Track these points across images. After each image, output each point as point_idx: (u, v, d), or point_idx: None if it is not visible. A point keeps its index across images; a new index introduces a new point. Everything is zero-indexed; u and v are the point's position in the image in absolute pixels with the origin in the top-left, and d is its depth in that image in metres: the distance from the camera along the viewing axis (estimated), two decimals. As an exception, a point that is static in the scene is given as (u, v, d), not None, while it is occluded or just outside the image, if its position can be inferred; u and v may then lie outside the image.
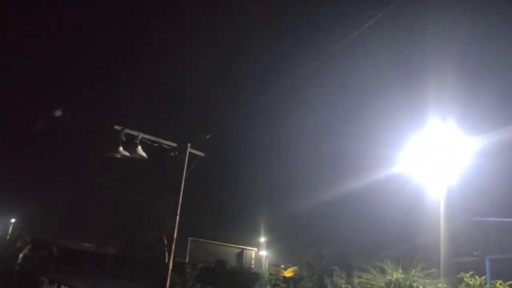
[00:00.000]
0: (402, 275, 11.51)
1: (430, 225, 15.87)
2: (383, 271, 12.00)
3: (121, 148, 14.72)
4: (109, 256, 24.63)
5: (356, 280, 16.45)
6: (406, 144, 14.13)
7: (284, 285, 23.55)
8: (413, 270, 11.71)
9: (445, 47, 13.45)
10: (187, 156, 15.55)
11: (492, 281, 10.12)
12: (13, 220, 30.22)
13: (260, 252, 39.36)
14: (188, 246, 31.94)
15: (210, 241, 34.04)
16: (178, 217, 15.52)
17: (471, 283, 10.13)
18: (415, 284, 11.24)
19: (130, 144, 15.01)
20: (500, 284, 9.90)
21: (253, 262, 35.68)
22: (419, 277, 11.54)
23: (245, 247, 36.53)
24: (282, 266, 34.90)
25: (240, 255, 36.06)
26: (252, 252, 36.98)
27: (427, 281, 11.49)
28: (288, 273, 30.75)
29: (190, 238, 31.90)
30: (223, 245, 35.02)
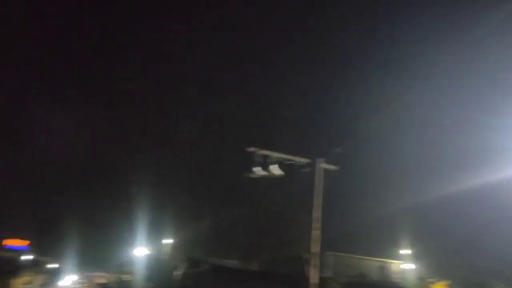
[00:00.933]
0: None
1: None
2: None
3: (257, 168, 15.48)
4: (252, 272, 25.65)
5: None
6: None
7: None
8: None
9: None
10: (316, 171, 15.74)
11: None
12: (168, 241, 33.05)
13: (404, 265, 37.46)
14: (327, 260, 31.76)
15: (350, 255, 33.39)
16: (318, 231, 15.68)
17: None
18: None
19: (265, 164, 15.69)
20: None
21: (396, 275, 34.10)
22: None
23: (387, 260, 35.12)
24: (432, 280, 32.71)
25: (382, 268, 34.73)
26: (394, 265, 35.38)
27: None
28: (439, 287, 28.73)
29: (328, 252, 31.70)
30: (364, 258, 34.11)
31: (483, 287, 22.60)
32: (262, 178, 15.84)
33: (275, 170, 15.22)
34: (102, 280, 34.54)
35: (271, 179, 15.85)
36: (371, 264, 34.75)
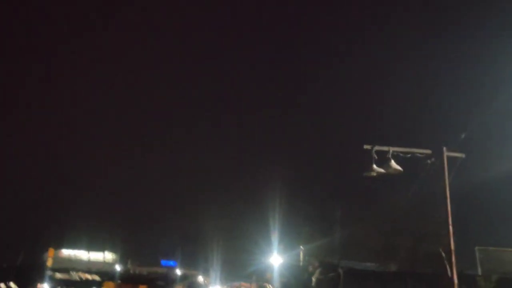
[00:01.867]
0: None
1: None
2: None
3: (375, 166, 14.86)
4: (391, 274, 24.58)
5: None
6: None
7: None
8: None
9: None
10: (445, 161, 14.57)
11: None
12: (302, 248, 33.38)
13: None
14: (478, 256, 29.07)
15: (504, 249, 30.14)
16: (451, 226, 14.54)
17: None
18: None
19: (383, 160, 15.02)
20: None
21: None
22: None
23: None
24: None
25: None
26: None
27: None
28: None
29: (477, 248, 29.02)
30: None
31: None
32: (383, 175, 15.15)
33: (394, 166, 14.46)
34: (244, 289, 36.11)
35: (392, 175, 15.08)
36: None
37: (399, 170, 14.53)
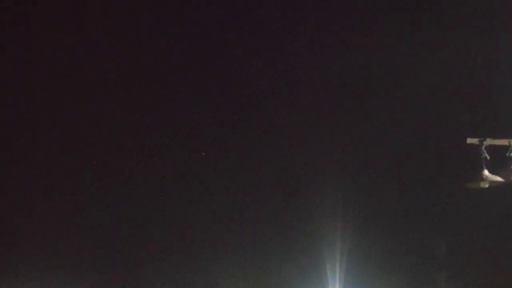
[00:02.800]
0: None
1: None
2: None
3: (486, 172, 9.01)
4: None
5: None
6: None
7: None
8: None
9: None
10: None
11: None
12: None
13: None
14: None
15: None
16: None
17: None
18: None
19: (500, 162, 9.18)
20: None
21: None
22: None
23: None
24: None
25: None
26: None
27: None
28: None
29: None
30: None
31: None
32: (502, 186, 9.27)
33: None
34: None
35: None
36: None
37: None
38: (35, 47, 13.74)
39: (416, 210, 13.24)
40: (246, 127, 14.19)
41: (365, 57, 13.71)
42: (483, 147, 9.29)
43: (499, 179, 9.01)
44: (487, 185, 9.08)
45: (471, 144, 9.54)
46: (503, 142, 9.21)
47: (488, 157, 9.12)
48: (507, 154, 9.19)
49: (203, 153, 14.02)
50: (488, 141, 9.36)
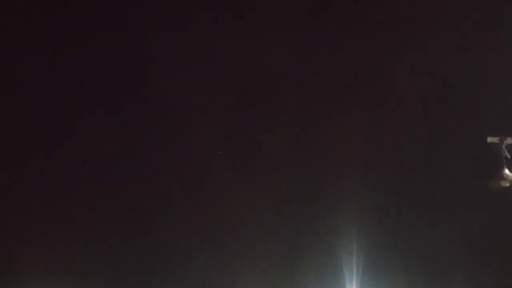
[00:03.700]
0: None
1: None
2: None
3: (506, 171, 8.81)
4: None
5: None
6: None
7: None
8: None
9: None
10: None
11: None
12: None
13: None
14: None
15: None
16: None
17: None
18: None
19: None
20: None
21: None
22: None
23: None
24: None
25: None
26: None
27: None
28: None
29: None
30: None
31: None
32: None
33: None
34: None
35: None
36: None
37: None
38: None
39: (436, 209, 13.00)
40: (259, 127, 14.13)
41: (385, 53, 13.53)
42: (503, 146, 9.10)
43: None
44: (507, 184, 8.88)
45: (492, 143, 9.35)
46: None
47: (509, 156, 8.92)
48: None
49: (220, 152, 13.97)
50: (509, 140, 9.17)
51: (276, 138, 13.78)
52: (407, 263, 12.54)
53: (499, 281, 12.04)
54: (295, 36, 13.82)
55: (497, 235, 12.19)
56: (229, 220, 13.40)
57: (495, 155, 9.13)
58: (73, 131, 13.80)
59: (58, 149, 13.65)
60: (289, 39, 13.86)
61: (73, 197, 13.56)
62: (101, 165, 13.63)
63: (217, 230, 13.45)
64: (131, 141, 13.92)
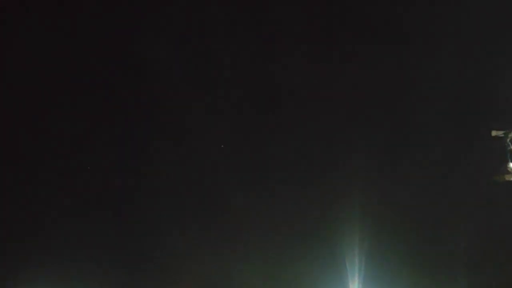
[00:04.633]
0: None
1: None
2: None
3: (511, 165, 8.70)
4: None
5: None
6: None
7: None
8: None
9: None
10: None
11: None
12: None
13: None
14: None
15: None
16: None
17: None
18: None
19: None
20: None
21: None
22: None
23: None
24: None
25: None
26: None
27: None
28: None
29: None
30: None
31: None
32: None
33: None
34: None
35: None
36: None
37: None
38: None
39: (441, 204, 12.89)
40: (259, 127, 14.09)
41: (391, 51, 13.46)
42: (508, 140, 8.98)
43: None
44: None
45: (496, 137, 9.23)
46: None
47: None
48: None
49: (222, 146, 13.92)
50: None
51: (276, 138, 13.76)
52: (410, 263, 12.45)
53: (506, 279, 11.94)
54: (298, 39, 13.79)
55: (502, 231, 12.08)
56: (229, 220, 13.37)
57: (500, 148, 9.02)
58: (73, 131, 13.83)
59: (58, 149, 13.69)
60: (290, 41, 13.84)
61: (73, 197, 13.58)
62: (102, 165, 13.65)
63: (217, 230, 13.43)
64: (131, 141, 13.94)
